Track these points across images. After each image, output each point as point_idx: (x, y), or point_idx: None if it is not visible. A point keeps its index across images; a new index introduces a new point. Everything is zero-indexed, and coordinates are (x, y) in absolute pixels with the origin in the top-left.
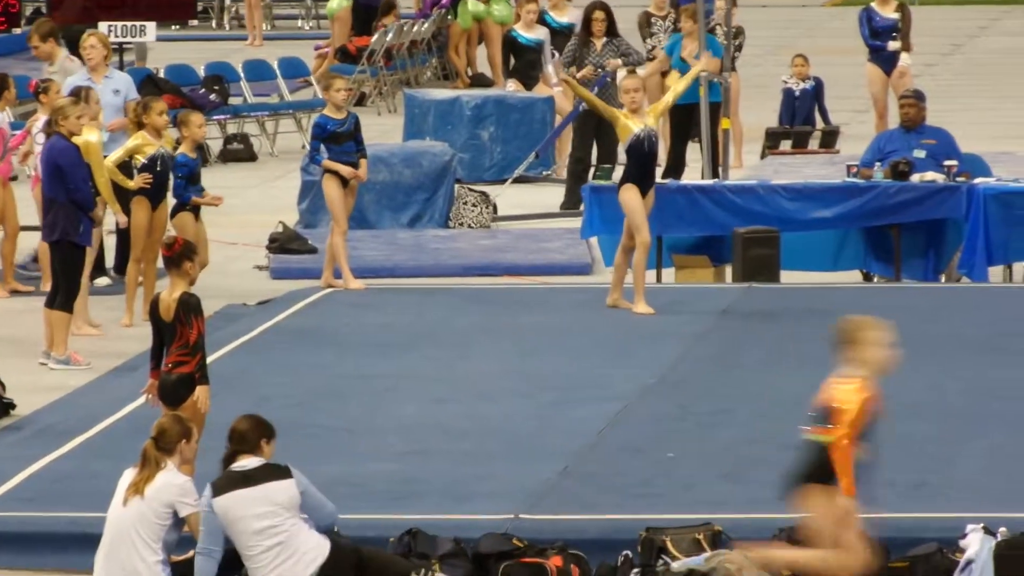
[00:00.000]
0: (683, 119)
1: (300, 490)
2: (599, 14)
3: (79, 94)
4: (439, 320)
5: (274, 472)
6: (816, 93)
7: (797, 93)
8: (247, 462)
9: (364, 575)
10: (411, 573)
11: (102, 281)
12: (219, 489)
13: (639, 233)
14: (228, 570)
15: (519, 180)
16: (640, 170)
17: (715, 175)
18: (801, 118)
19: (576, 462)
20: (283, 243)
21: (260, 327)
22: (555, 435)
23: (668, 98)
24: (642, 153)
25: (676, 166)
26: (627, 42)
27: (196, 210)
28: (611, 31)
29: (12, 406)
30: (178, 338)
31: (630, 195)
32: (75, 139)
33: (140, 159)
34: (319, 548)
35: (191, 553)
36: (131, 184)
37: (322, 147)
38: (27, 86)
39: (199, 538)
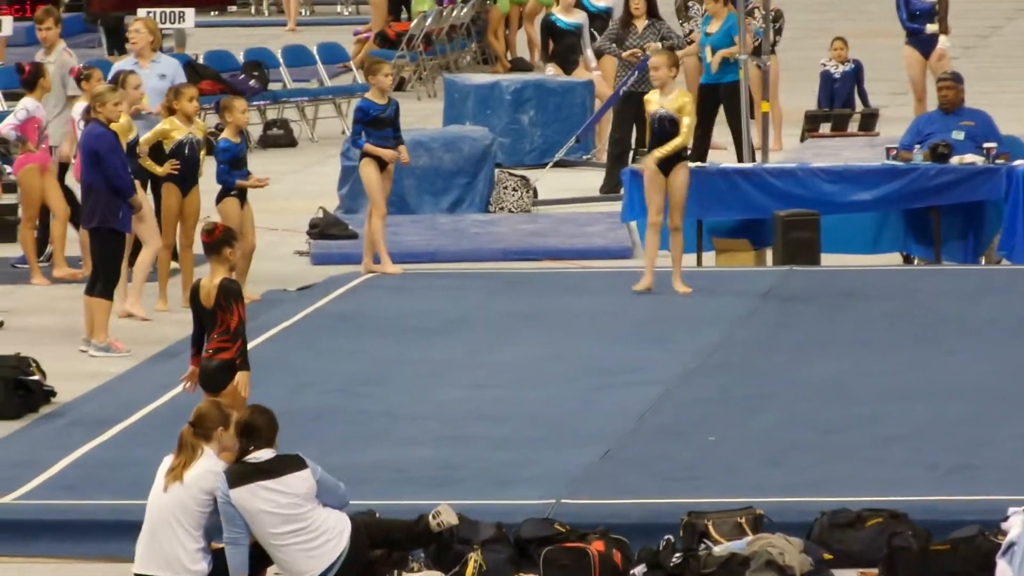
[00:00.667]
0: (704, 101)
1: (316, 479)
2: None
3: (117, 79)
4: (479, 305)
5: (290, 463)
6: (856, 76)
7: (837, 76)
8: (260, 454)
9: (374, 540)
10: (409, 526)
11: None
12: (235, 480)
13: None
14: (260, 562)
15: (559, 164)
16: (652, 149)
17: (742, 157)
18: (840, 101)
19: (617, 446)
20: (323, 229)
21: (301, 313)
22: (596, 419)
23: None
24: (653, 132)
25: (698, 148)
26: (668, 25)
27: (242, 195)
28: (652, 12)
29: (53, 393)
30: (219, 324)
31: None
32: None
33: (168, 145)
34: (342, 523)
35: None
36: (159, 170)
37: (362, 132)
38: (69, 72)
39: (224, 529)
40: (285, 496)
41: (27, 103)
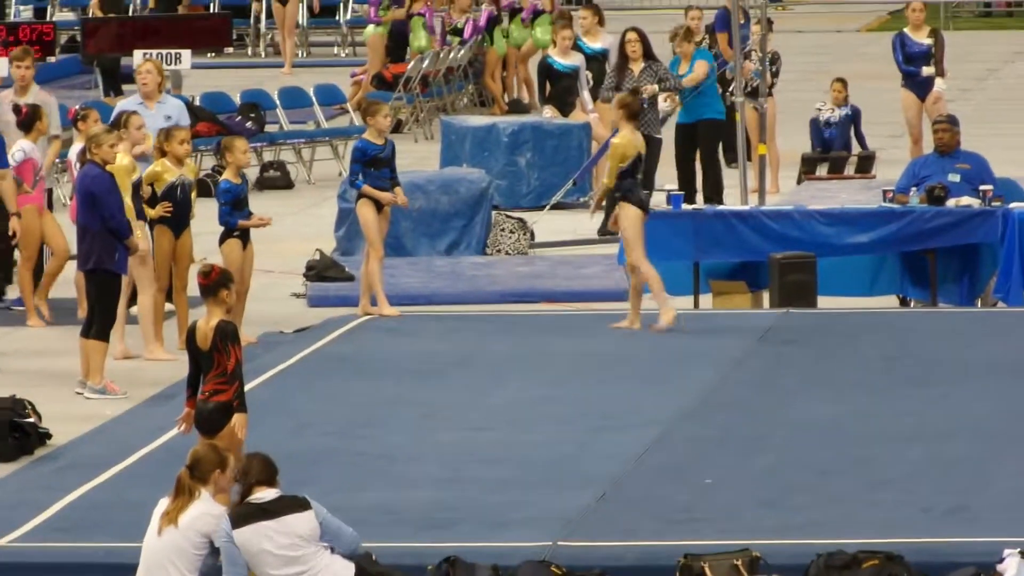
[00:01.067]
0: (682, 141)
1: (319, 520)
2: (632, 35)
3: (119, 119)
4: (476, 347)
5: (293, 504)
6: (853, 120)
7: (834, 121)
8: (264, 494)
9: None
10: None
11: (133, 310)
12: (238, 521)
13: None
14: None
15: (556, 206)
16: None
17: (711, 198)
18: (838, 146)
19: (614, 488)
20: (320, 271)
21: (298, 355)
22: (593, 461)
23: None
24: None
25: (686, 189)
26: (665, 66)
27: (244, 236)
28: (648, 54)
29: (48, 436)
30: (215, 366)
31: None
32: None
33: (160, 187)
34: (346, 571)
35: None
36: (151, 213)
37: (360, 172)
38: (67, 114)
39: (223, 569)
40: (287, 537)
41: (23, 145)
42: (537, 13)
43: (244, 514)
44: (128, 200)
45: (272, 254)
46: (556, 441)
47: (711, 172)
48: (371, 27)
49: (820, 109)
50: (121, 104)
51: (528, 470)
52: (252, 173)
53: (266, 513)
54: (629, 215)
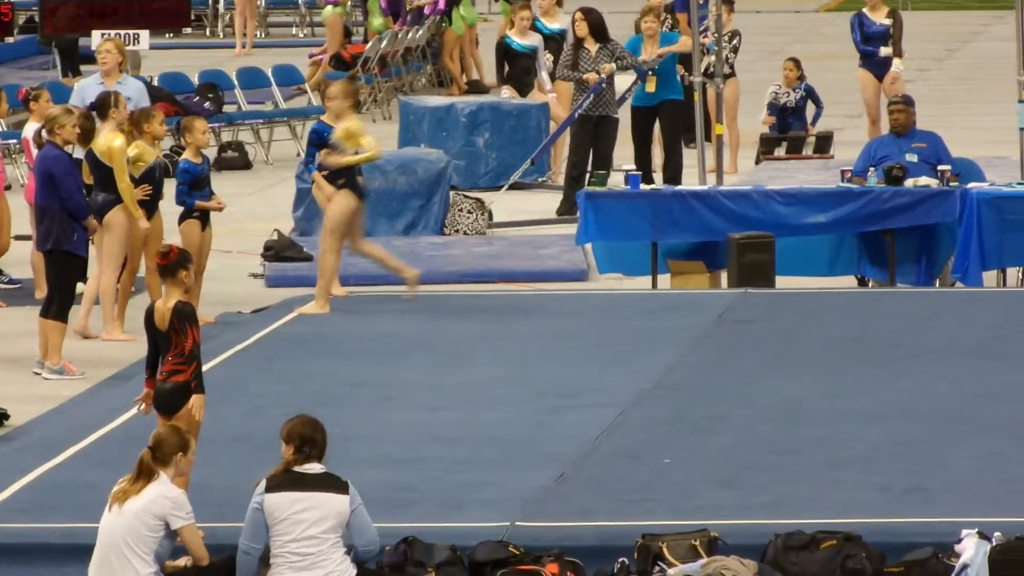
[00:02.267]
0: (640, 122)
1: (352, 508)
2: (577, 15)
3: (108, 99)
4: (434, 328)
5: (333, 483)
6: (809, 98)
7: (791, 104)
8: (310, 467)
9: None
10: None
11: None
12: (273, 486)
13: None
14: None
15: (514, 187)
16: None
17: (670, 178)
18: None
19: (572, 469)
20: (278, 251)
21: (256, 335)
22: (551, 442)
23: None
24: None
25: (642, 169)
26: (620, 46)
27: (204, 217)
28: (599, 35)
29: (5, 416)
30: (173, 347)
31: None
32: (99, 144)
33: (138, 170)
34: (350, 570)
35: (182, 561)
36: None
37: (317, 154)
38: (17, 94)
39: (242, 534)
40: (315, 512)
41: None
42: None
43: (283, 480)
44: (128, 181)
45: (230, 234)
46: (514, 421)
47: (674, 154)
48: (329, 7)
49: (776, 92)
50: (80, 84)
51: (486, 450)
52: (210, 154)
53: (303, 484)
54: (345, 202)
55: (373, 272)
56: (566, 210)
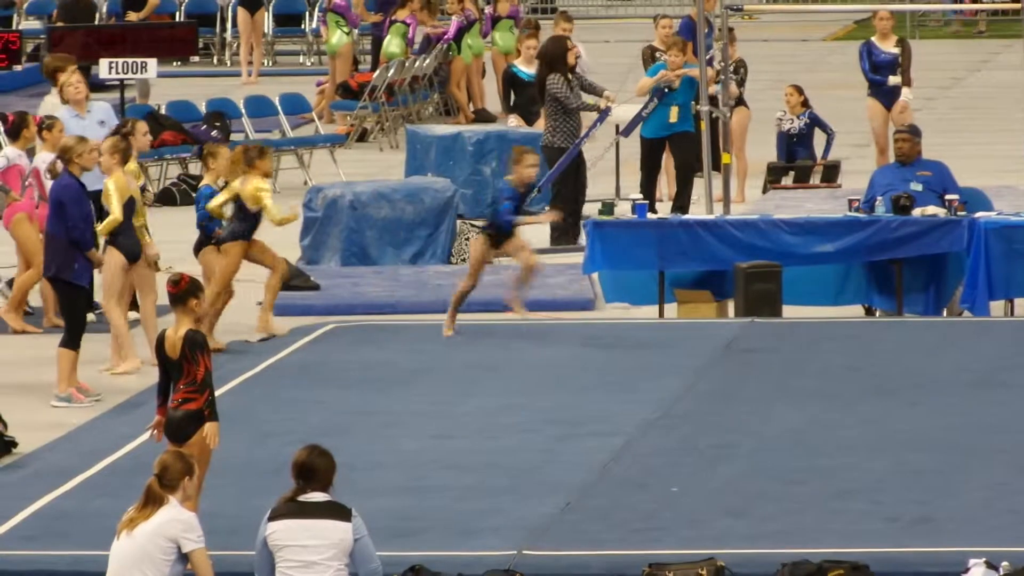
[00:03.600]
0: (649, 152)
1: (355, 537)
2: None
3: (125, 126)
4: (441, 356)
5: (335, 511)
6: (815, 124)
7: (795, 130)
8: (313, 495)
9: None
10: None
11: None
12: (275, 515)
13: None
14: None
15: None
16: None
17: (679, 207)
18: (801, 158)
19: (579, 497)
20: (285, 280)
21: (263, 363)
22: (558, 470)
23: None
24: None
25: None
26: (581, 75)
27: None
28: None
29: (14, 444)
30: (185, 375)
31: None
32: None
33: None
34: None
35: None
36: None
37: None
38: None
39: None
40: (318, 539)
41: (8, 152)
42: (495, 20)
43: (285, 510)
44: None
45: None
46: (521, 450)
47: (688, 186)
48: (340, 35)
49: (781, 119)
50: (48, 113)
51: (493, 479)
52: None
53: (305, 511)
54: (111, 260)
55: (380, 300)
56: (561, 239)
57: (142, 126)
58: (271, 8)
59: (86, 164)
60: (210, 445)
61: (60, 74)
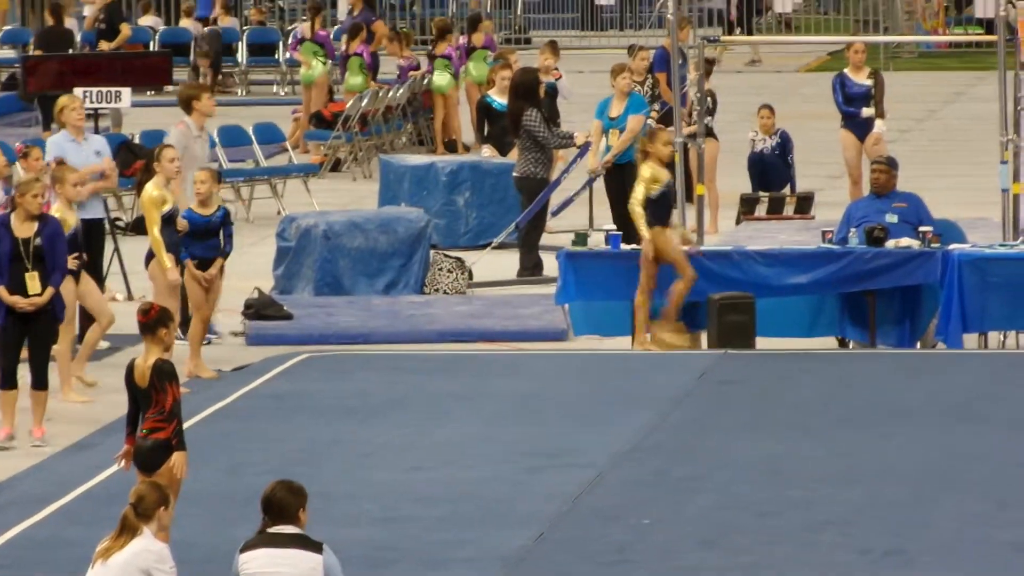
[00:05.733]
0: (614, 179)
1: (325, 568)
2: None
3: (155, 152)
4: (414, 386)
5: (305, 543)
6: (783, 147)
7: (767, 150)
8: (284, 528)
9: None
10: None
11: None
12: (247, 547)
13: None
14: None
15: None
16: None
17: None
18: (773, 177)
19: (551, 528)
20: (258, 309)
21: (235, 393)
22: (530, 501)
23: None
24: None
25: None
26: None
27: (203, 267)
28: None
29: None
30: (153, 404)
31: None
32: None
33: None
34: None
35: None
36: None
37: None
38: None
39: None
40: (288, 565)
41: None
42: (470, 51)
43: (255, 541)
44: (156, 232)
45: None
46: (494, 480)
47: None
48: (318, 65)
49: (753, 140)
50: (52, 139)
51: (465, 509)
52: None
53: (275, 542)
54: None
55: (353, 330)
56: (526, 270)
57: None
58: (245, 38)
59: (69, 195)
60: (177, 475)
61: (195, 102)
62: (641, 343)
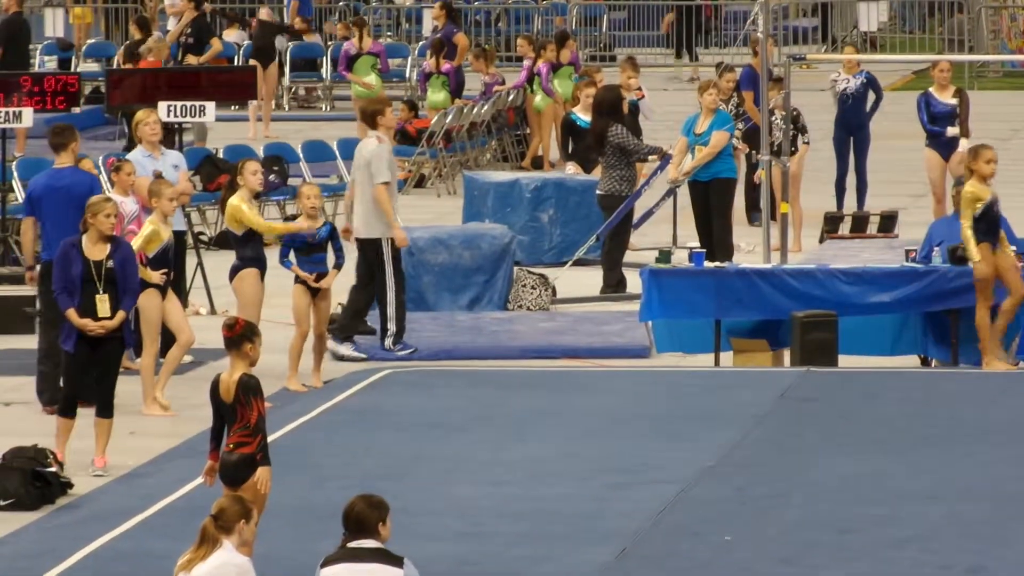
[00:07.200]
0: (698, 197)
1: None
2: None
3: (238, 165)
4: (497, 402)
5: (386, 557)
6: (870, 85)
7: (851, 90)
8: (365, 542)
9: None
10: None
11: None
12: (327, 561)
13: None
14: None
15: (578, 263)
16: None
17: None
18: (856, 120)
19: (633, 545)
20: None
21: (320, 407)
22: (612, 518)
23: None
24: None
25: (706, 246)
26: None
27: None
28: (608, 114)
29: (70, 485)
30: (239, 419)
31: None
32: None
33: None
34: None
35: None
36: (155, 278)
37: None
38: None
39: None
40: None
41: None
42: (556, 67)
43: (336, 556)
44: (263, 221)
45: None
46: (576, 497)
47: (720, 231)
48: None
49: (836, 80)
50: (132, 155)
51: (548, 525)
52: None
53: (357, 556)
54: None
55: (437, 345)
56: (609, 287)
57: (252, 165)
58: (288, 53)
59: (166, 211)
60: (261, 490)
61: (380, 117)
62: (989, 363)
